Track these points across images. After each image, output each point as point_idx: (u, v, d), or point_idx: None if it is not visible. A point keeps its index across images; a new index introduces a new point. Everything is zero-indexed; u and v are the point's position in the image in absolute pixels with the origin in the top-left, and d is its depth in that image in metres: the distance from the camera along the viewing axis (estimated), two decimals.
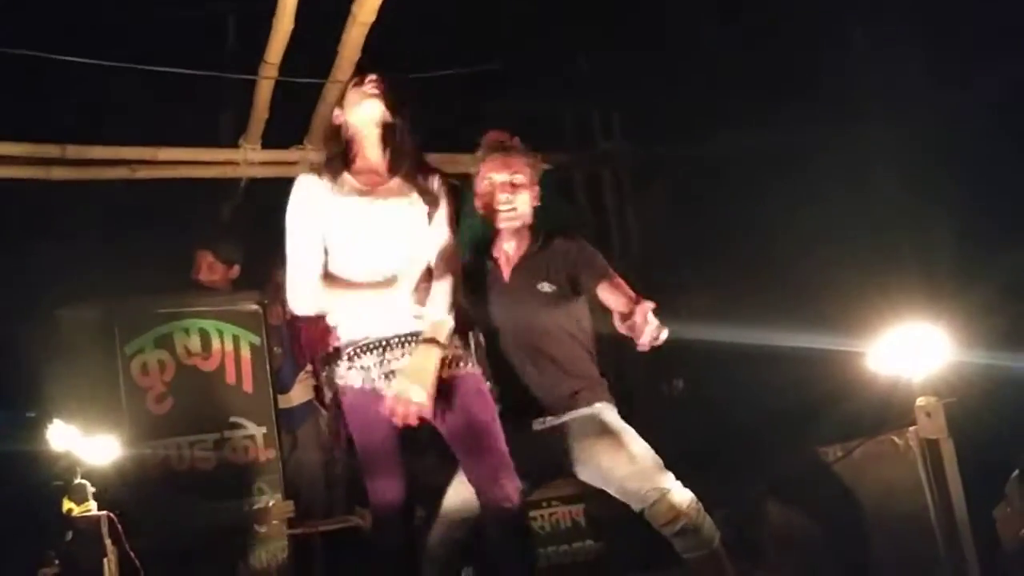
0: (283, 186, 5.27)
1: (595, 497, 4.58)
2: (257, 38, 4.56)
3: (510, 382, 3.36)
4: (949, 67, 5.30)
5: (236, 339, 4.49)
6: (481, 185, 3.48)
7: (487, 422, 3.04)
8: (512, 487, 2.98)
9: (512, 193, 3.42)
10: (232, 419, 4.43)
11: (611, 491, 3.28)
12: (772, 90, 5.29)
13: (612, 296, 3.24)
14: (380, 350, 3.03)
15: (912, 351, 3.42)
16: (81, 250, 4.97)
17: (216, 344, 4.47)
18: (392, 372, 2.99)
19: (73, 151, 4.87)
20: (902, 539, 3.60)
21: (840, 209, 5.14)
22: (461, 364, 3.06)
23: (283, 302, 5.09)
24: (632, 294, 3.16)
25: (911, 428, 3.59)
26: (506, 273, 3.48)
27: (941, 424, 3.46)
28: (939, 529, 3.48)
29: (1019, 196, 4.96)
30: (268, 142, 5.16)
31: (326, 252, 3.08)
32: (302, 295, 3.09)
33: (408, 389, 2.89)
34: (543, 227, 3.51)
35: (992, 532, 3.46)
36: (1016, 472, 3.50)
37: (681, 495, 3.15)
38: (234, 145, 5.16)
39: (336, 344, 3.12)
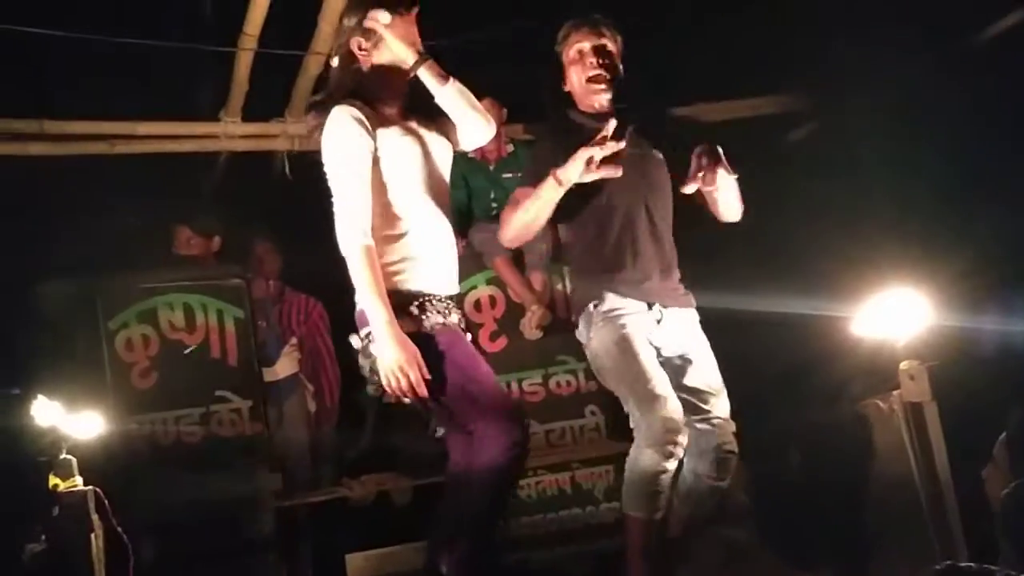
0: (264, 159, 5.34)
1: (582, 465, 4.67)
2: (236, 10, 4.51)
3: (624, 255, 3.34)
4: (927, 34, 5.31)
5: (220, 313, 4.48)
6: (569, 55, 3.41)
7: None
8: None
9: (606, 59, 3.38)
10: (217, 393, 4.42)
11: (681, 391, 3.30)
12: (758, 62, 5.29)
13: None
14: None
15: (896, 316, 3.44)
16: (62, 226, 4.94)
17: (200, 318, 4.46)
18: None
19: (51, 126, 4.83)
20: (886, 502, 3.63)
21: (824, 178, 5.16)
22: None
23: (266, 275, 5.13)
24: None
25: (895, 392, 3.61)
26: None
27: (925, 387, 3.48)
28: (923, 491, 3.50)
29: (998, 162, 5.00)
30: (248, 115, 5.12)
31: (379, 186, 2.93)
32: (356, 228, 2.84)
33: None
34: None
35: (981, 492, 3.48)
36: (1003, 434, 3.52)
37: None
38: (214, 119, 5.12)
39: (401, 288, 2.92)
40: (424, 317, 2.90)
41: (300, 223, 4.98)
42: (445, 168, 3.10)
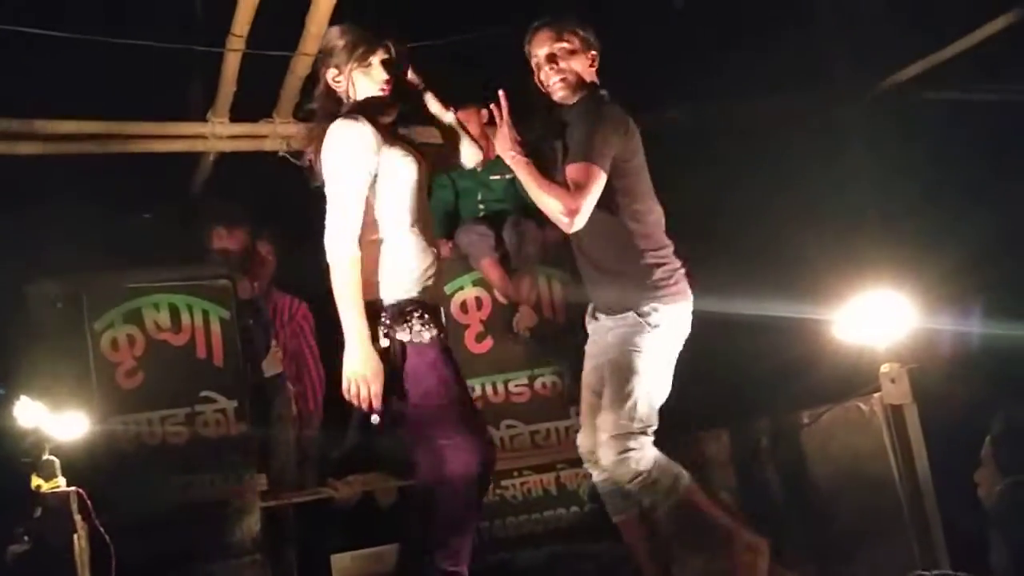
0: (252, 160, 5.34)
1: (567, 466, 4.68)
2: (224, 10, 4.52)
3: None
4: (911, 37, 5.33)
5: (206, 313, 4.49)
6: (532, 62, 3.46)
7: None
8: None
9: (555, 64, 3.38)
10: (203, 393, 4.42)
11: None
12: (741, 62, 5.30)
13: None
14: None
15: (877, 319, 3.47)
16: (48, 226, 4.93)
17: (186, 319, 4.46)
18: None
19: (40, 126, 4.83)
20: (867, 503, 3.65)
21: (806, 180, 5.16)
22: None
23: (264, 276, 5.12)
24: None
25: (876, 394, 3.63)
26: None
27: (905, 390, 3.51)
28: (903, 492, 3.53)
29: (981, 166, 5.02)
30: (237, 116, 5.12)
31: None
32: (347, 239, 2.99)
33: None
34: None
35: (968, 494, 3.48)
36: (989, 437, 3.54)
37: (623, 467, 3.23)
38: (202, 119, 5.12)
39: (379, 299, 3.07)
40: (397, 331, 3.01)
41: (286, 224, 5.01)
42: (425, 185, 3.24)
